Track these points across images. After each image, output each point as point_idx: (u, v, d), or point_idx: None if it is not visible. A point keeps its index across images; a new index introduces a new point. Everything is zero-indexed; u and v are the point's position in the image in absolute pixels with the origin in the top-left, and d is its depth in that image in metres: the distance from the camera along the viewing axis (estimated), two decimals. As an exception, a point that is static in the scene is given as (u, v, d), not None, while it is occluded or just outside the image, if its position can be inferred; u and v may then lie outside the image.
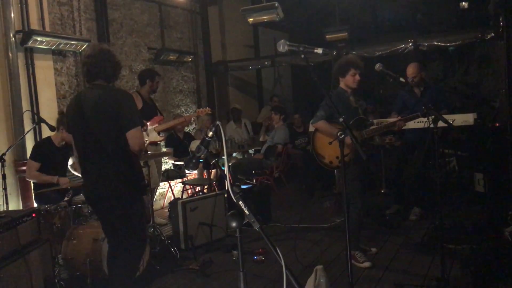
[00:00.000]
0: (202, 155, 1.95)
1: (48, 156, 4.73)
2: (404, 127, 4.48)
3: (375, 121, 4.66)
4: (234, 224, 1.73)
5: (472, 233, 4.69)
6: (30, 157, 4.78)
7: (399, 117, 4.53)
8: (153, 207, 5.32)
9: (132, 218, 3.15)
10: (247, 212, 1.72)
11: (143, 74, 5.86)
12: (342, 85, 4.31)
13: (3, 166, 4.51)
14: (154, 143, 5.75)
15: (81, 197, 4.42)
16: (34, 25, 5.45)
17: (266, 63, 9.14)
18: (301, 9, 9.59)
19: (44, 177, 4.67)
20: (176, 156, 7.10)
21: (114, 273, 3.22)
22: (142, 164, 4.91)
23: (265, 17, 7.02)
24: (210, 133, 1.94)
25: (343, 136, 2.90)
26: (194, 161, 1.98)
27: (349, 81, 4.23)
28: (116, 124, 2.98)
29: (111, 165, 3.04)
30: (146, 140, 5.42)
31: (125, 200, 3.10)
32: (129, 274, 3.19)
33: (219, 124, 1.89)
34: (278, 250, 1.74)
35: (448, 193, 5.89)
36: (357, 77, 4.21)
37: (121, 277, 3.16)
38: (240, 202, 1.73)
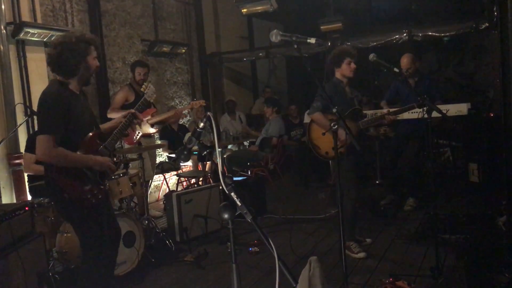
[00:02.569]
0: (194, 147, 1.94)
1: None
2: (398, 118, 4.48)
3: (369, 112, 4.66)
4: (226, 216, 1.71)
5: (466, 223, 4.71)
6: (25, 150, 4.74)
7: (389, 109, 4.52)
8: (148, 199, 5.31)
9: (75, 226, 3.05)
10: (239, 204, 1.71)
11: (131, 66, 5.94)
12: (337, 75, 4.29)
13: (-5, 159, 4.48)
14: (148, 136, 5.73)
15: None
16: (26, 17, 5.39)
17: (260, 54, 9.11)
18: (296, 0, 9.54)
19: (40, 168, 4.62)
20: (170, 148, 7.08)
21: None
22: (135, 156, 4.90)
23: (258, 8, 6.99)
24: (201, 124, 1.92)
25: (336, 127, 2.89)
26: (185, 152, 1.96)
27: (345, 70, 4.22)
28: None
29: (45, 170, 2.94)
30: (139, 133, 5.39)
31: (58, 206, 3.06)
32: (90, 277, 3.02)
33: (210, 115, 1.87)
34: (271, 242, 1.73)
35: (443, 183, 5.91)
36: (353, 65, 4.20)
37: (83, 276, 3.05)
38: (232, 194, 1.72)
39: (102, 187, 3.01)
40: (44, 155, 2.78)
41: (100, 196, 2.96)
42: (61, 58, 2.83)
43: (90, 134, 2.99)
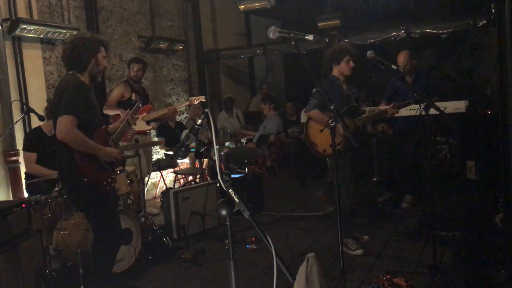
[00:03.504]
0: (191, 143, 1.93)
1: (40, 145, 4.67)
2: (396, 115, 4.49)
3: (367, 109, 4.65)
4: (224, 212, 1.71)
5: (463, 220, 4.72)
6: (23, 149, 4.71)
7: (392, 104, 4.52)
8: (145, 197, 5.29)
9: (91, 213, 3.21)
10: (237, 200, 1.70)
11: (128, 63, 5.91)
12: (335, 72, 4.28)
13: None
14: (143, 133, 5.70)
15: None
16: (22, 13, 5.36)
17: (258, 51, 9.09)
18: (293, -3, 9.53)
19: (44, 171, 4.58)
20: (167, 145, 7.06)
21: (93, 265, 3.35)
22: (132, 153, 4.89)
23: (256, 4, 6.98)
24: (199, 121, 1.91)
25: (334, 123, 2.89)
26: (183, 149, 1.95)
27: (343, 67, 4.21)
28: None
29: (63, 157, 3.09)
30: (133, 131, 5.36)
31: (76, 194, 3.18)
32: (102, 267, 3.25)
33: (208, 112, 1.86)
34: (269, 238, 1.72)
35: (440, 180, 5.91)
36: (351, 63, 4.19)
37: (96, 268, 3.26)
38: (230, 190, 1.71)
39: (113, 176, 3.24)
40: (65, 134, 2.94)
41: (113, 185, 3.20)
42: (75, 52, 3.07)
43: (102, 127, 3.24)
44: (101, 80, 6.55)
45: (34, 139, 4.70)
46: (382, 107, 4.73)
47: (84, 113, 3.01)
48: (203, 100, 5.84)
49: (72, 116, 2.93)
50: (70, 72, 3.14)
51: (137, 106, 3.76)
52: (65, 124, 2.92)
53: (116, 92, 5.64)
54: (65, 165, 3.09)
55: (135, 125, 4.97)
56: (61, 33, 5.58)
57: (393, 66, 3.83)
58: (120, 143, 5.52)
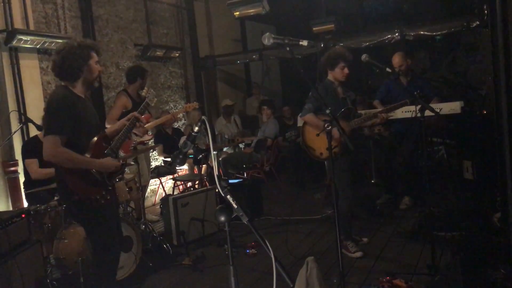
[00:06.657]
0: (189, 150, 1.95)
1: (38, 152, 4.67)
2: (392, 117, 4.50)
3: (363, 112, 4.68)
4: (222, 218, 1.73)
5: (461, 220, 4.73)
6: (24, 157, 4.69)
7: (382, 108, 4.55)
8: (144, 204, 5.30)
9: (85, 227, 3.19)
10: (235, 206, 1.73)
11: (134, 72, 5.57)
12: (330, 77, 4.31)
13: (-10, 167, 4.47)
14: (142, 143, 5.69)
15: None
16: (18, 24, 5.39)
17: (254, 56, 9.12)
18: (287, 2, 9.57)
19: (48, 171, 4.56)
20: (166, 152, 7.08)
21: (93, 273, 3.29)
22: (131, 161, 4.90)
23: (251, 11, 7.01)
24: (196, 128, 1.93)
25: (330, 127, 2.91)
26: (181, 156, 1.98)
27: (337, 74, 4.23)
28: None
29: (56, 173, 3.07)
30: (135, 141, 5.37)
31: (69, 208, 3.18)
32: (101, 276, 3.19)
33: (205, 119, 1.88)
34: (268, 243, 1.74)
35: (437, 181, 5.94)
36: (346, 70, 4.20)
37: (96, 278, 3.22)
38: (228, 196, 1.73)
39: (110, 188, 3.11)
40: (50, 155, 2.88)
41: (108, 197, 3.06)
42: (65, 62, 2.96)
43: (96, 137, 3.09)
44: (99, 88, 6.55)
45: (31, 147, 4.69)
46: (376, 110, 4.76)
47: (71, 128, 2.91)
48: (197, 106, 5.83)
49: (56, 136, 2.86)
50: (62, 83, 3.06)
51: (145, 104, 3.59)
52: (49, 145, 2.86)
53: (119, 104, 5.42)
54: (58, 181, 3.07)
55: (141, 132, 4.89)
56: (57, 43, 5.56)
57: (387, 69, 3.86)
58: (120, 152, 5.52)
